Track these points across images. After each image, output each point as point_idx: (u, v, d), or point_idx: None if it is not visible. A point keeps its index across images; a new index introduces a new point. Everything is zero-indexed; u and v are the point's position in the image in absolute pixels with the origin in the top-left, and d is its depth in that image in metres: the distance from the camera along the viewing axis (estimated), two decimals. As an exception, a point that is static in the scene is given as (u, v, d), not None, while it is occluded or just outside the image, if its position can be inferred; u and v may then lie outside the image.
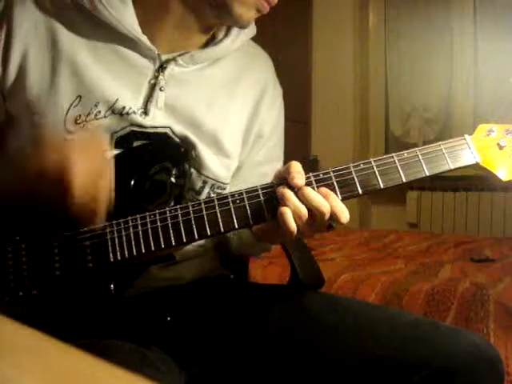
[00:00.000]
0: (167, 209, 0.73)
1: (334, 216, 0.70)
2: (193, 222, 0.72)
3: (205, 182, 0.87)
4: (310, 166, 3.58)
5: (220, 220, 0.72)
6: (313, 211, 0.69)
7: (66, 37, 0.80)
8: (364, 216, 3.60)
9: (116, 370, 0.26)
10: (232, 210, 0.72)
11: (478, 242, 2.54)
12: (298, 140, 3.56)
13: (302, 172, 0.72)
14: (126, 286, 0.75)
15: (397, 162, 0.73)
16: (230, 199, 0.72)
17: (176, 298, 0.86)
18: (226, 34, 0.89)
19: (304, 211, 0.69)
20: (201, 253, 0.91)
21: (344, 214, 0.70)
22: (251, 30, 0.92)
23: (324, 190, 0.71)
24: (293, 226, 0.69)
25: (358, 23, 3.70)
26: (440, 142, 0.75)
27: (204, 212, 0.72)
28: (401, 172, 0.73)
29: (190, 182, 0.85)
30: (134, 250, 0.71)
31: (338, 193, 0.72)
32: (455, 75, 3.45)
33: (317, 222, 0.70)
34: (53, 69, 0.79)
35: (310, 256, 1.03)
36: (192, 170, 0.85)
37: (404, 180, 0.73)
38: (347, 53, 3.68)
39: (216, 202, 0.72)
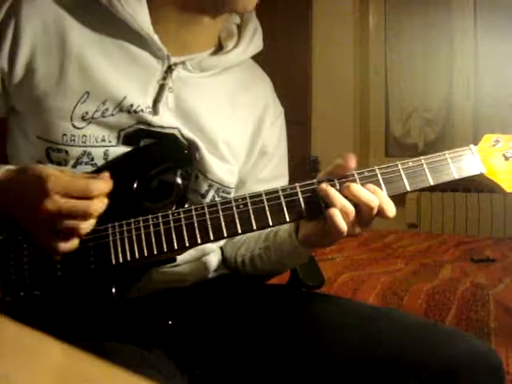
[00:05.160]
0: (170, 212, 0.72)
1: (381, 211, 0.70)
2: (195, 225, 0.72)
3: (210, 186, 0.86)
4: (310, 166, 3.58)
5: (223, 224, 0.71)
6: (360, 207, 0.69)
7: (75, 32, 0.79)
8: (364, 216, 3.59)
9: (116, 370, 0.26)
10: (235, 214, 0.72)
11: (478, 242, 2.54)
12: (298, 140, 3.56)
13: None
14: (128, 289, 0.75)
15: (401, 170, 0.73)
16: (233, 204, 0.72)
17: (177, 300, 0.86)
18: (236, 45, 0.90)
19: (351, 209, 0.69)
20: (204, 255, 0.91)
21: (391, 208, 0.70)
22: (259, 44, 0.93)
23: (371, 185, 0.71)
24: (343, 226, 0.68)
25: (358, 23, 3.70)
26: (446, 152, 0.75)
27: (207, 216, 0.72)
28: (405, 181, 0.73)
29: (196, 184, 0.85)
30: (137, 254, 0.71)
31: None
32: (455, 75, 3.45)
33: (364, 218, 0.70)
34: (61, 64, 0.78)
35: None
36: (197, 173, 0.85)
37: (408, 189, 0.73)
38: (347, 52, 3.68)
39: (219, 207, 0.72)
